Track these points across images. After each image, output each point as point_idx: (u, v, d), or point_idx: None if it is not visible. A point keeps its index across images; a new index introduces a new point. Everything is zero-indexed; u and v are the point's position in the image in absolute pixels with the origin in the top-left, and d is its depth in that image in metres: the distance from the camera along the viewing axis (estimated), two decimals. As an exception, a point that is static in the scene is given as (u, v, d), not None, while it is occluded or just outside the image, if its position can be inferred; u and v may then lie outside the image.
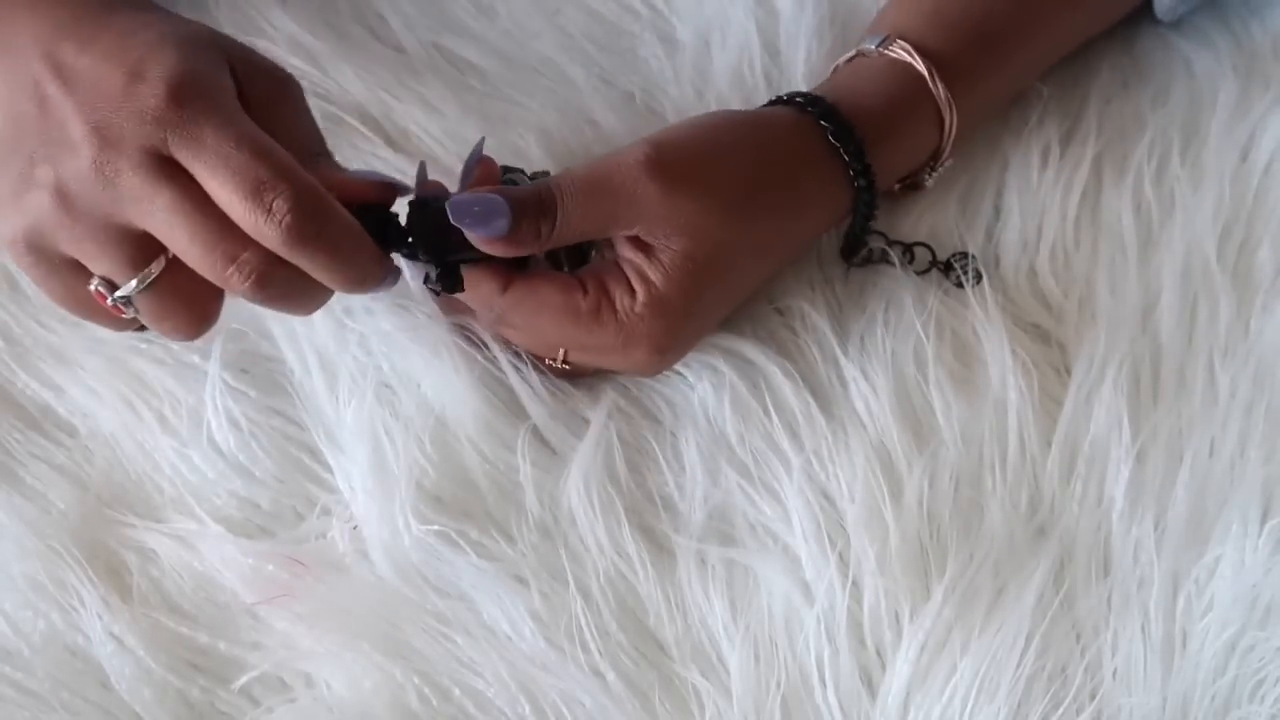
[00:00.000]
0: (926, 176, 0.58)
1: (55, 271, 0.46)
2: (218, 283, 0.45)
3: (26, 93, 0.45)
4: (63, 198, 0.44)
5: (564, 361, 0.53)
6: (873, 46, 0.56)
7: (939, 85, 0.55)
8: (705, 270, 0.50)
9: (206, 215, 0.43)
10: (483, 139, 0.50)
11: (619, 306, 0.50)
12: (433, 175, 0.50)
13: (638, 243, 0.50)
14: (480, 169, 0.50)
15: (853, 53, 0.57)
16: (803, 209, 0.54)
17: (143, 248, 0.45)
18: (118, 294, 0.46)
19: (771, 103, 0.55)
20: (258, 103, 0.46)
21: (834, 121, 0.53)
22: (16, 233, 0.45)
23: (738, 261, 0.52)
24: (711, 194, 0.50)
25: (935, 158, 0.57)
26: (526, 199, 0.48)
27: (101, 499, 0.52)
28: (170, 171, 0.43)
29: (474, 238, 0.47)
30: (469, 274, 0.49)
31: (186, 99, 0.43)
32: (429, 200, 0.47)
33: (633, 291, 0.50)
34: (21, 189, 0.45)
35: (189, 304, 0.46)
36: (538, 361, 0.53)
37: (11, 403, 0.54)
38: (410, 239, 0.47)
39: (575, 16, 0.64)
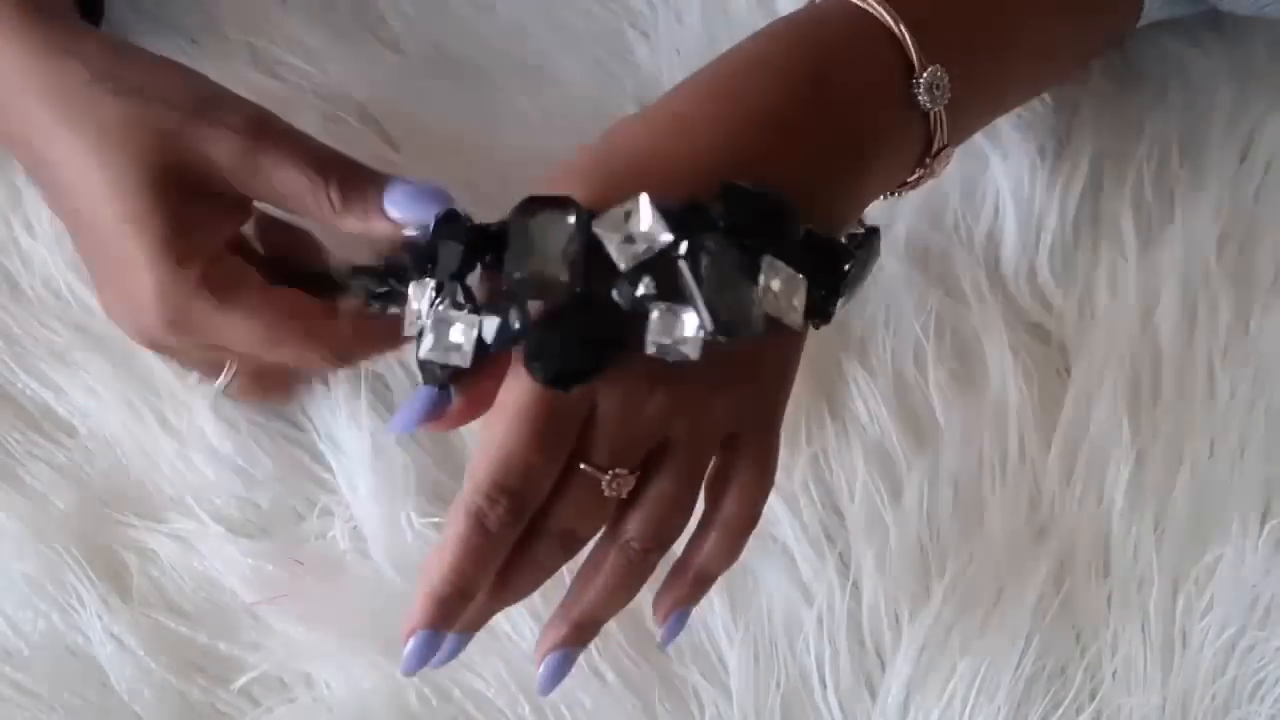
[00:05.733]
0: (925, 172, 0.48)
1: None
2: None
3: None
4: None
5: None
6: None
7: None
8: None
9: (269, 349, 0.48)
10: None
11: None
12: (431, 174, 0.49)
13: None
14: None
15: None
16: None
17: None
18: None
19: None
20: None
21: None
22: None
23: None
24: None
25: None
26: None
27: (101, 499, 0.52)
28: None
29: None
30: None
31: (178, 318, 0.47)
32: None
33: None
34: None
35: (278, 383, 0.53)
36: None
37: (11, 403, 0.54)
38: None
39: (575, 16, 0.64)
